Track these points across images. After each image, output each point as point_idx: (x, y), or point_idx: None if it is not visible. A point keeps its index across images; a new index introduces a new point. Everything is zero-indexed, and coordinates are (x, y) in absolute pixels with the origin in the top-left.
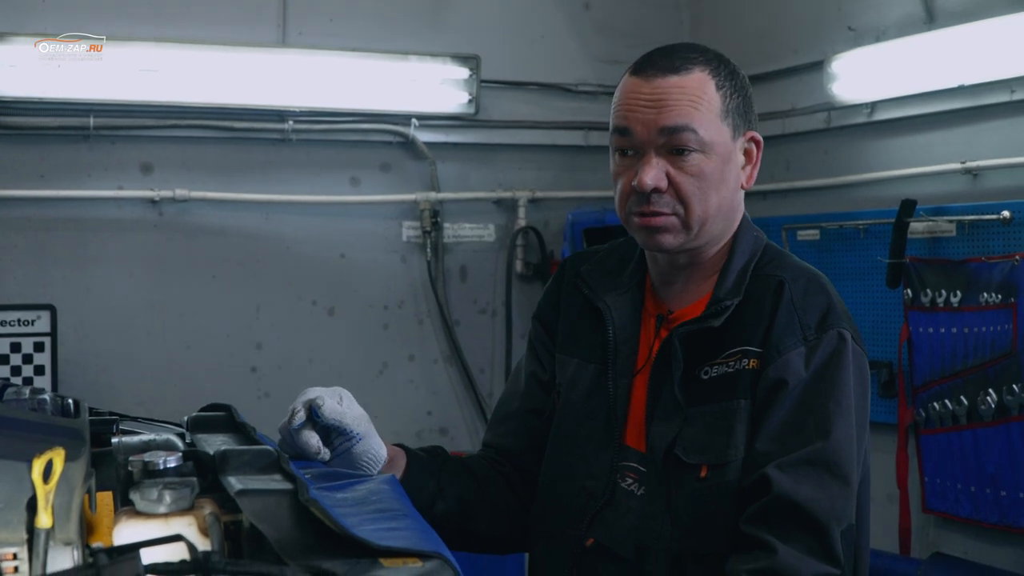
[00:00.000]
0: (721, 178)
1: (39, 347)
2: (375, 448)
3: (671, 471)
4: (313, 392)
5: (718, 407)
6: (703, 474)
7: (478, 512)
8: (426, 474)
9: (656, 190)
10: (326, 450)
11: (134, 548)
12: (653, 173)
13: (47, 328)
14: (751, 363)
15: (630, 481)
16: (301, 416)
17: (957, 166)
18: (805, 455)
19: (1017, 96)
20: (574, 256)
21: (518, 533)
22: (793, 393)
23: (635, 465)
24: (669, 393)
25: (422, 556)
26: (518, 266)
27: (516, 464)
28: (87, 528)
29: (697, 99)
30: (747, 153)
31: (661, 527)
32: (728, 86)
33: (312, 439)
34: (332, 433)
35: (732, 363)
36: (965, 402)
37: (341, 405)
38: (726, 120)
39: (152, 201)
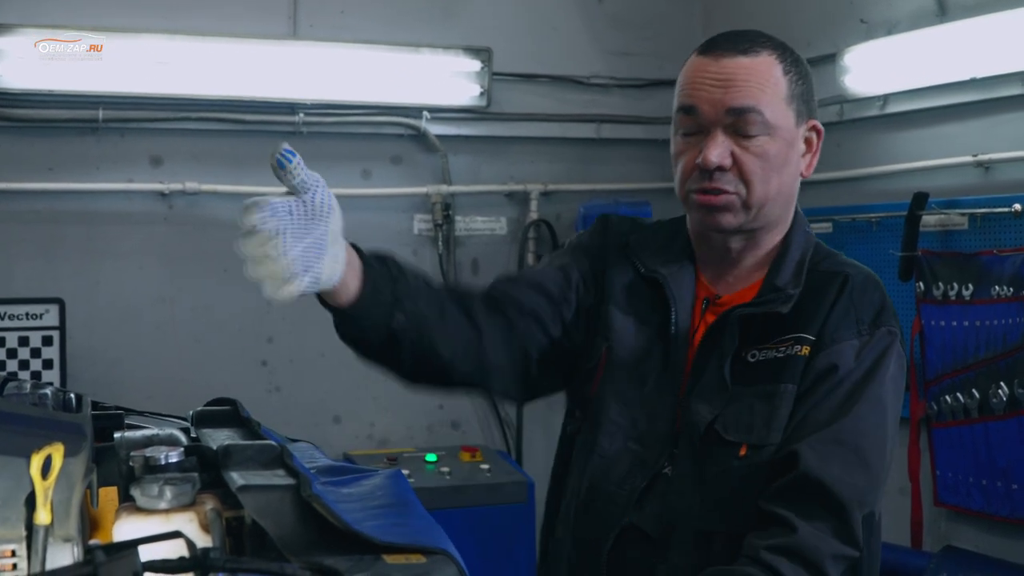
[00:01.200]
0: (784, 162)
1: (48, 341)
2: (335, 204)
3: (707, 447)
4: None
5: (763, 389)
6: (742, 452)
7: (438, 334)
8: (384, 281)
9: (720, 168)
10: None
11: (132, 545)
12: (718, 151)
13: (56, 322)
14: (803, 350)
15: (665, 463)
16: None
17: (969, 159)
18: (836, 437)
19: None
20: (618, 218)
21: (468, 366)
22: (840, 380)
23: (671, 448)
24: (715, 372)
25: (425, 552)
26: (530, 259)
27: (503, 295)
28: (91, 524)
29: (764, 81)
30: (807, 142)
31: (690, 504)
32: (794, 71)
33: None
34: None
35: (783, 349)
36: (977, 395)
37: None
38: (791, 105)
39: (162, 194)
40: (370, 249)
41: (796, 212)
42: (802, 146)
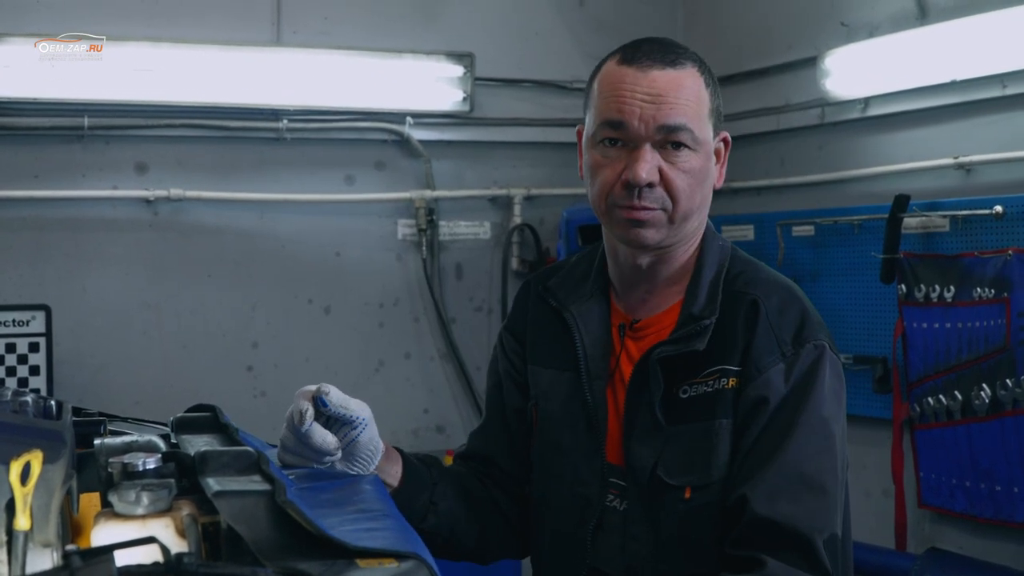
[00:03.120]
0: (706, 176)
1: (34, 347)
2: (376, 437)
3: (655, 492)
4: (309, 388)
5: (699, 426)
6: (687, 495)
7: (467, 530)
8: (420, 486)
9: (649, 184)
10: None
11: (107, 550)
12: (648, 168)
13: (42, 328)
14: (731, 382)
15: (611, 497)
16: (311, 413)
17: (950, 161)
18: (780, 470)
19: (1009, 91)
20: (541, 272)
21: (504, 549)
22: (774, 409)
23: (616, 480)
24: (648, 413)
25: (398, 556)
26: (514, 263)
27: (501, 471)
28: (73, 530)
29: (693, 97)
30: (717, 153)
31: (648, 548)
32: (712, 85)
33: (328, 435)
34: (336, 424)
35: (711, 382)
36: (959, 397)
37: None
38: (710, 119)
39: (147, 201)
40: (416, 454)
41: (708, 225)
42: (714, 158)
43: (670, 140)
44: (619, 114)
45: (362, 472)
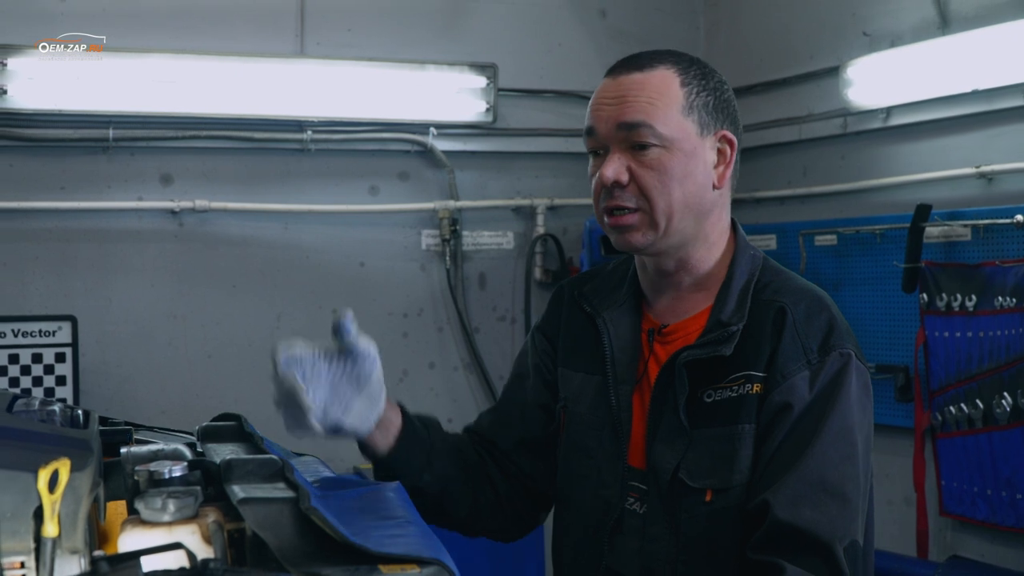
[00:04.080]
0: (684, 173)
1: (60, 358)
2: (382, 376)
3: (676, 494)
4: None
5: (722, 431)
6: (708, 498)
7: (460, 497)
8: (418, 441)
9: (617, 183)
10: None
11: (134, 556)
12: (614, 167)
13: (68, 339)
14: (755, 388)
15: (631, 500)
16: (351, 317)
17: (971, 170)
18: (802, 476)
19: None
20: (577, 277)
21: (493, 524)
22: (797, 416)
23: (636, 484)
24: (672, 416)
25: (421, 562)
26: (537, 273)
27: (503, 453)
28: (100, 537)
29: (657, 95)
30: (720, 153)
31: (667, 550)
32: (696, 84)
33: (372, 343)
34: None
35: (736, 388)
36: (981, 406)
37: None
38: (690, 116)
39: (172, 212)
40: (417, 413)
41: (738, 234)
42: (712, 157)
43: (633, 139)
44: (590, 120)
45: (369, 411)
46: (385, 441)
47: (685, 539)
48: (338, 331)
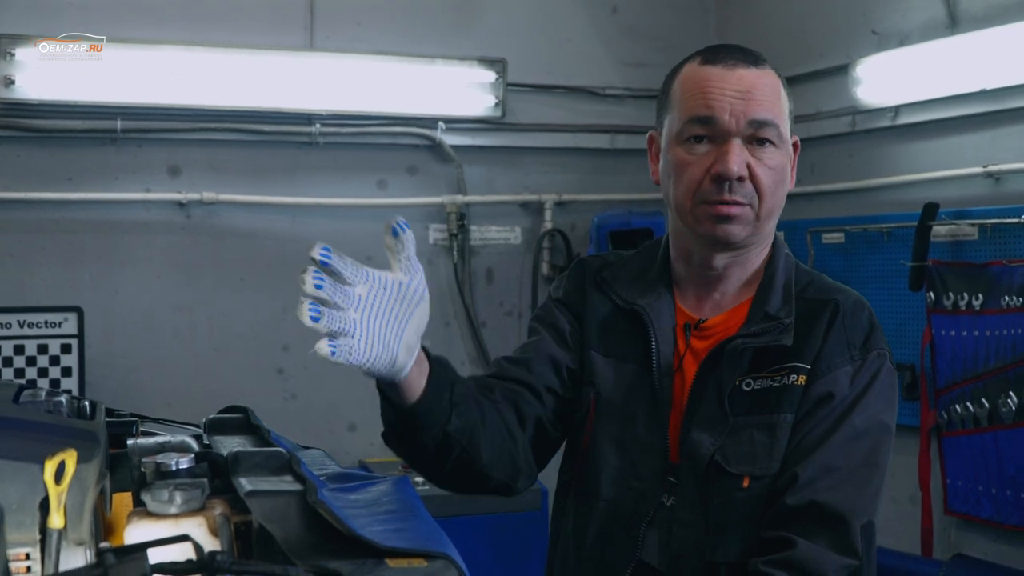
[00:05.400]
0: (786, 175)
1: (66, 349)
2: None
3: (710, 479)
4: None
5: (763, 419)
6: (745, 484)
7: (482, 441)
8: (445, 386)
9: (739, 178)
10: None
11: (141, 548)
12: (740, 160)
13: (74, 330)
14: (799, 379)
15: (665, 494)
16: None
17: (979, 170)
18: (825, 456)
19: None
20: (592, 258)
21: (503, 474)
22: (835, 407)
23: (671, 478)
24: (712, 402)
25: (428, 556)
26: (544, 268)
27: (523, 394)
28: (106, 529)
29: (777, 96)
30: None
31: (696, 536)
32: (787, 88)
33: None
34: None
35: (779, 378)
36: (986, 405)
37: None
38: (787, 120)
39: (180, 204)
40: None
41: (776, 234)
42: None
43: (757, 136)
44: (708, 110)
45: (415, 345)
46: (419, 382)
47: (715, 525)
48: (392, 236)
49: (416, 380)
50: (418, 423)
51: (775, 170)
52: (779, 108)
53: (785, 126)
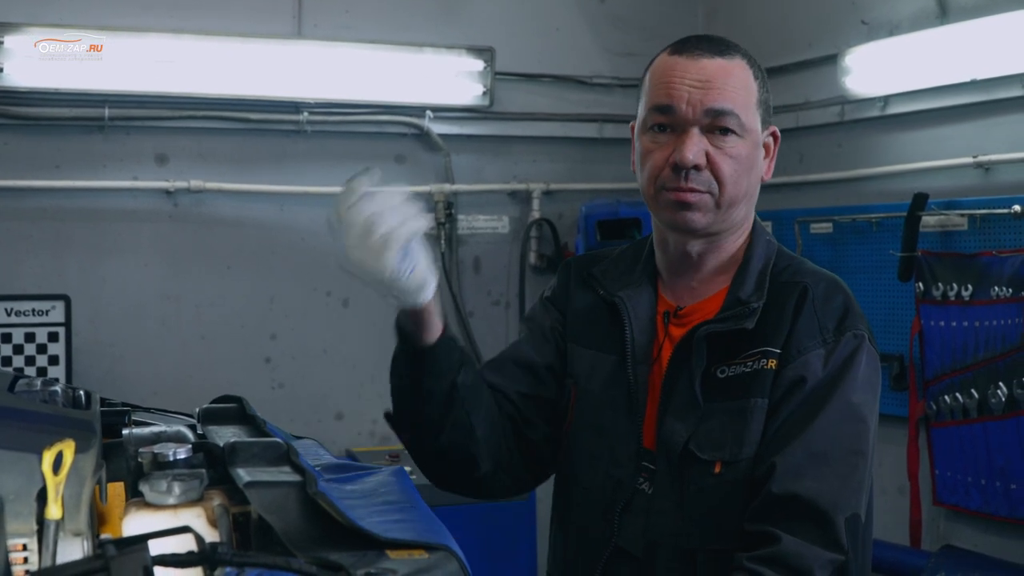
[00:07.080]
0: (752, 164)
1: (53, 337)
2: None
3: (685, 466)
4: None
5: (734, 404)
6: (717, 470)
7: (481, 407)
8: (455, 340)
9: (696, 167)
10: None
11: (142, 539)
12: (696, 150)
13: (61, 318)
14: (770, 363)
15: (641, 480)
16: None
17: (969, 160)
18: (806, 447)
19: None
20: (583, 256)
21: (492, 459)
22: (809, 391)
23: (646, 464)
24: (685, 390)
25: (428, 548)
26: (532, 258)
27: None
28: (99, 519)
29: (740, 85)
30: (766, 146)
31: (672, 523)
32: (760, 78)
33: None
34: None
35: (751, 363)
36: (975, 395)
37: None
38: (758, 110)
39: (167, 192)
40: None
41: (755, 220)
42: (762, 151)
43: (717, 125)
44: (668, 99)
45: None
46: (437, 323)
47: (691, 512)
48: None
49: (434, 320)
50: (435, 364)
51: (736, 159)
52: (743, 98)
53: (750, 115)
